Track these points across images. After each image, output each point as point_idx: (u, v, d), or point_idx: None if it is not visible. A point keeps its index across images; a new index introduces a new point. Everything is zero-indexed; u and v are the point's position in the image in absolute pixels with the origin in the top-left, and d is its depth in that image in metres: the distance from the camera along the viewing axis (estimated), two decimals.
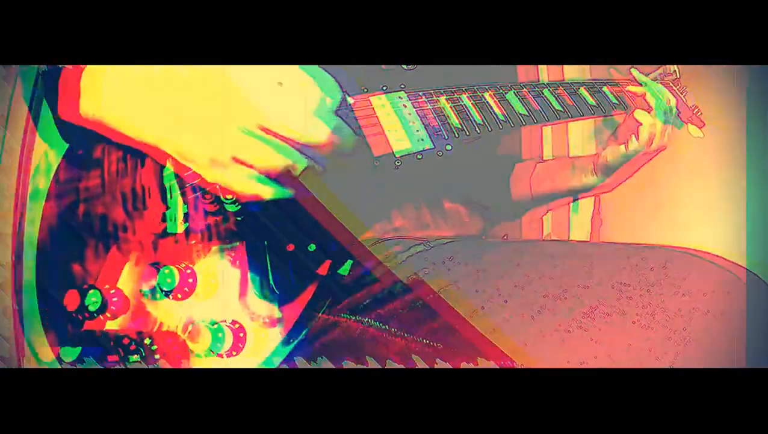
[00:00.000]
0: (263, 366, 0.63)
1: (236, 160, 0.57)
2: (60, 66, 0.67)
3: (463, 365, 0.64)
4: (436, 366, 0.64)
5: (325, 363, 0.65)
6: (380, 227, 0.71)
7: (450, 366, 0.64)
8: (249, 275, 0.64)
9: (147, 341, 0.64)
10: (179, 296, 0.64)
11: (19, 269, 0.71)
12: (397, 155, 0.71)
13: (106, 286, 0.66)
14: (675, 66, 1.03)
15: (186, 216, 0.65)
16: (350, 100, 0.71)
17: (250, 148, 0.56)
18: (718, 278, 0.65)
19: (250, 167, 0.57)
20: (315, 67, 0.59)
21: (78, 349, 0.66)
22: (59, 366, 0.67)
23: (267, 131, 0.57)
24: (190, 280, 0.64)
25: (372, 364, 0.65)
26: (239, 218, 0.66)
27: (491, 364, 0.63)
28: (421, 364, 0.65)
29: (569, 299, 0.65)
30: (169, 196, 0.66)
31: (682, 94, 1.02)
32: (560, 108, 0.84)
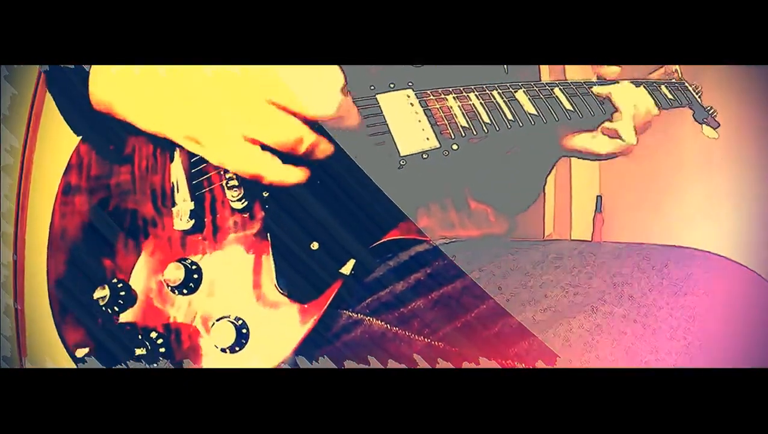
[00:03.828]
0: (288, 366, 0.63)
1: (244, 138, 0.57)
2: (86, 65, 0.67)
3: (465, 365, 0.64)
4: (437, 366, 0.64)
5: (326, 363, 0.65)
6: (405, 226, 0.71)
7: (452, 366, 0.64)
8: (273, 270, 0.64)
9: (173, 335, 0.64)
10: (185, 291, 0.65)
11: (50, 264, 0.71)
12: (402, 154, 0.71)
13: (135, 280, 0.67)
14: (676, 66, 1.03)
15: (192, 213, 0.65)
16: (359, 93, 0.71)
17: (257, 122, 0.56)
18: (720, 277, 0.65)
19: (259, 143, 0.57)
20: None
21: (108, 344, 0.67)
22: (84, 363, 0.67)
23: (274, 104, 0.56)
24: (196, 276, 0.64)
25: (374, 364, 0.65)
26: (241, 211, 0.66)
27: (492, 363, 0.63)
28: (422, 364, 0.65)
29: (570, 298, 0.65)
30: (176, 191, 0.66)
31: (697, 94, 1.01)
32: (571, 108, 0.83)
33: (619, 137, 0.85)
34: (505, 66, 0.89)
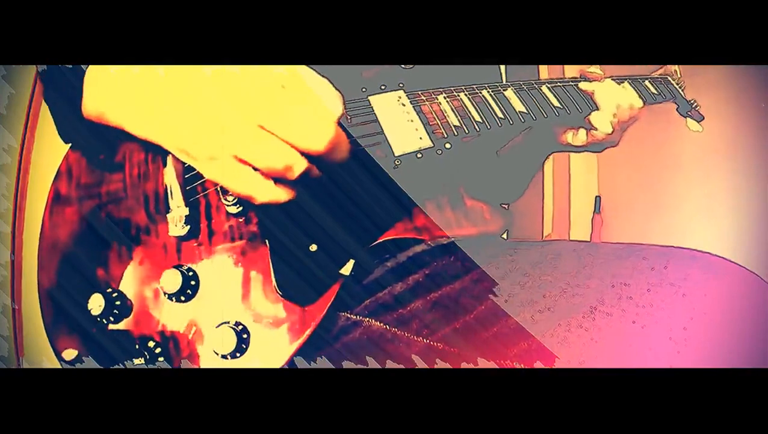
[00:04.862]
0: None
1: (237, 159, 0.56)
2: (84, 66, 0.67)
3: (463, 365, 0.64)
4: (436, 367, 0.64)
5: (324, 363, 0.65)
6: (402, 226, 0.71)
7: (450, 365, 0.64)
8: (272, 274, 0.63)
9: (171, 343, 0.63)
10: (183, 298, 0.64)
11: (42, 275, 0.70)
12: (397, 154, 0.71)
13: (130, 289, 0.66)
14: (675, 66, 1.03)
15: (187, 218, 0.65)
16: (351, 109, 0.71)
17: (250, 146, 0.56)
18: (719, 278, 0.65)
19: (250, 165, 0.56)
20: (317, 75, 0.58)
21: (104, 355, 0.66)
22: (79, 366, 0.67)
23: (267, 130, 0.55)
24: (193, 282, 0.64)
25: (372, 364, 0.65)
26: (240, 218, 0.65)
27: (491, 364, 0.63)
28: (421, 364, 0.65)
29: (569, 299, 0.65)
30: (170, 197, 0.66)
31: (680, 88, 1.02)
32: (559, 104, 0.84)
33: (594, 128, 0.88)
34: (502, 66, 0.89)
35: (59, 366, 0.68)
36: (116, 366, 0.65)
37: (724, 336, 0.61)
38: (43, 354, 0.69)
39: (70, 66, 0.67)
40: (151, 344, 0.64)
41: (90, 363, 0.66)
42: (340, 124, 0.57)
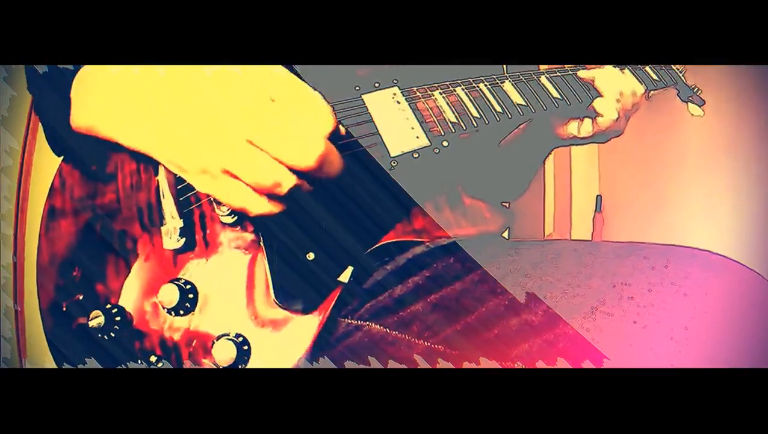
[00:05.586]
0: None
1: (225, 172, 0.55)
2: (71, 67, 0.65)
3: (465, 365, 0.64)
4: (438, 366, 0.64)
5: (326, 363, 0.65)
6: (401, 228, 0.70)
7: (452, 366, 0.64)
8: (270, 283, 0.62)
9: (173, 356, 0.63)
10: (182, 312, 0.63)
11: (41, 292, 0.69)
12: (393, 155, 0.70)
13: (129, 303, 0.65)
14: (677, 66, 1.03)
15: (182, 230, 0.63)
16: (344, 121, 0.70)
17: (240, 160, 0.54)
18: (720, 277, 0.64)
19: (239, 179, 0.55)
20: (308, 88, 0.56)
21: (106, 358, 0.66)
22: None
23: (255, 145, 0.54)
24: (191, 295, 0.63)
25: (374, 364, 0.65)
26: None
27: (493, 364, 0.63)
28: (423, 364, 0.65)
29: (570, 299, 0.65)
30: (162, 197, 0.64)
31: (681, 73, 1.02)
32: (559, 96, 0.83)
33: (600, 115, 0.87)
34: (504, 66, 0.89)
35: (62, 367, 0.68)
36: (119, 367, 0.65)
37: (725, 335, 0.61)
38: (45, 355, 0.69)
39: (58, 71, 0.66)
40: (153, 358, 0.63)
41: (92, 363, 0.66)
42: (330, 138, 0.55)
